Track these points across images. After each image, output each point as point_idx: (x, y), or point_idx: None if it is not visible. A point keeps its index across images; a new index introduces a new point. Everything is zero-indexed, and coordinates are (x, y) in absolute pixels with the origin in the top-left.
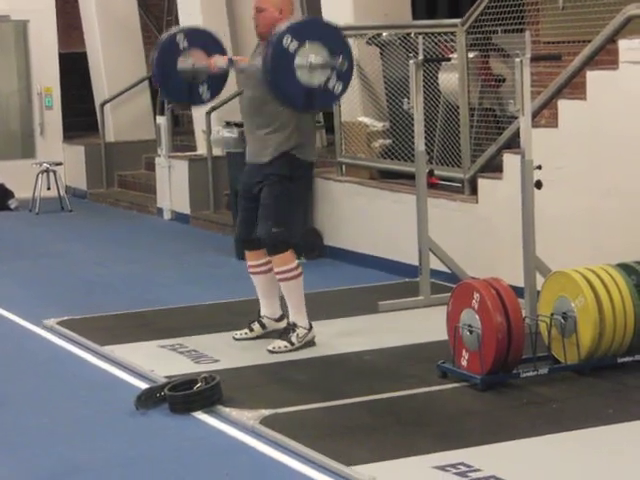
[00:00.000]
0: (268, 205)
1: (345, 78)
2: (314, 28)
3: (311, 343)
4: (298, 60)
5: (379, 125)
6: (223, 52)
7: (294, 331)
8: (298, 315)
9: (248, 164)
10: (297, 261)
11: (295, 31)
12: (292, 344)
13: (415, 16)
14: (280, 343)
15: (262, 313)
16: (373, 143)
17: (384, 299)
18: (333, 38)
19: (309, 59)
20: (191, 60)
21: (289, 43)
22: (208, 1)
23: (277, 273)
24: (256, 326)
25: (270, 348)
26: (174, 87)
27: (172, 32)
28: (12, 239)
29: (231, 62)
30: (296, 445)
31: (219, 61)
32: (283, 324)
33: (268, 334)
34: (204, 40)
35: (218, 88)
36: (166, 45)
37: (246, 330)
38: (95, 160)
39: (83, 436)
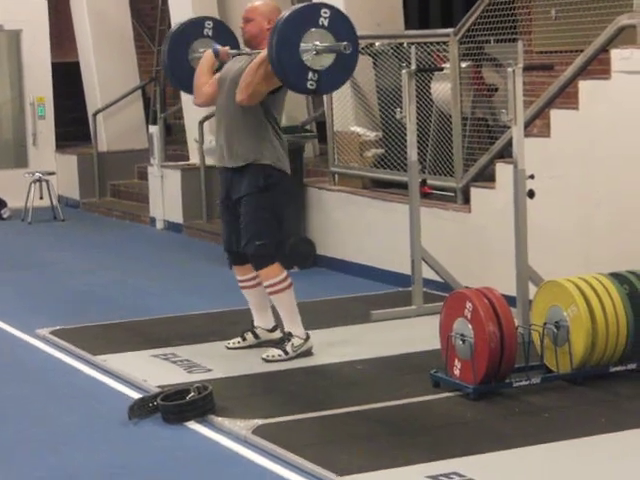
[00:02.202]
0: (247, 220)
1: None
2: (317, 13)
3: (307, 353)
4: (303, 45)
5: (372, 135)
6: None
7: (289, 340)
8: (293, 325)
9: (219, 168)
10: (286, 272)
11: (299, 16)
12: (286, 353)
13: (408, 26)
14: (274, 352)
15: (256, 324)
16: (366, 153)
17: (377, 308)
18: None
19: (314, 44)
20: (203, 48)
21: (295, 27)
22: (200, 10)
23: (266, 287)
24: (249, 336)
25: (264, 357)
26: (181, 70)
27: (201, 17)
28: (4, 249)
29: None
30: (289, 455)
31: (232, 52)
32: (277, 335)
33: (260, 344)
34: (227, 38)
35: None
36: (189, 27)
37: (239, 339)
38: (88, 169)
39: (75, 445)
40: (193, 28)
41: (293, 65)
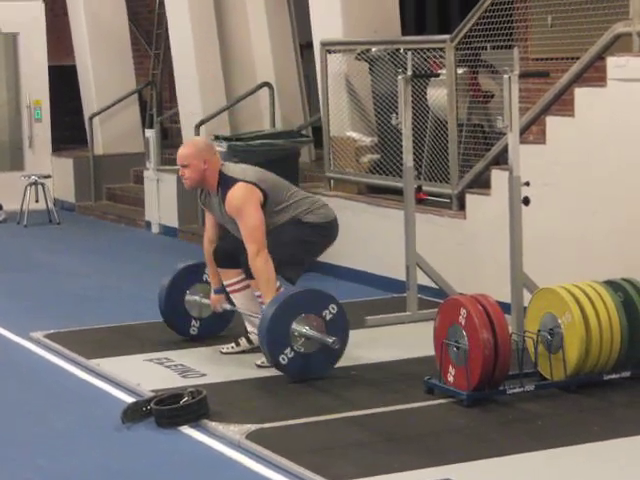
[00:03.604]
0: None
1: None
2: (298, 300)
3: None
4: (294, 336)
5: (367, 140)
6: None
7: None
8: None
9: None
10: (278, 282)
11: (283, 310)
12: None
13: (404, 32)
14: None
15: (249, 329)
16: (361, 158)
17: (371, 314)
18: (319, 300)
19: (304, 332)
20: (199, 295)
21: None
22: (197, 14)
23: (228, 285)
24: (243, 341)
25: (259, 363)
26: (173, 309)
27: (201, 262)
28: (0, 251)
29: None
30: (282, 460)
31: (223, 304)
32: None
33: (254, 349)
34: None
35: (209, 331)
36: (188, 269)
37: (232, 344)
38: (84, 173)
39: (68, 449)
40: (191, 273)
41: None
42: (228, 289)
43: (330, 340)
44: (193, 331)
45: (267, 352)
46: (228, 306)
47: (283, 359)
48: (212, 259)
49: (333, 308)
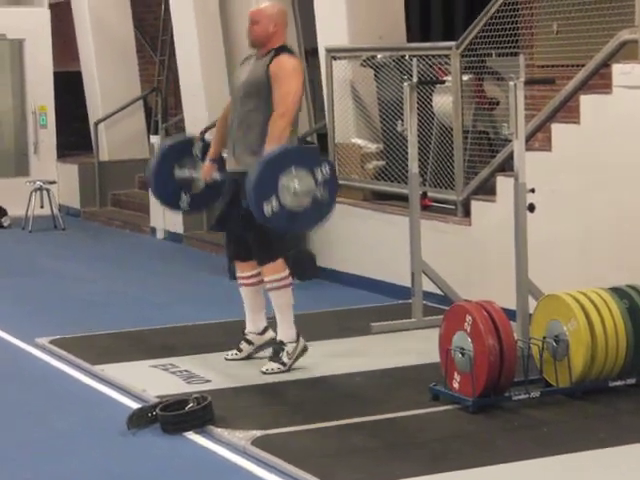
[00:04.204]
0: (257, 232)
1: (332, 190)
2: (292, 154)
3: (302, 352)
4: (281, 184)
5: (373, 147)
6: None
7: (283, 350)
8: (286, 327)
9: (228, 174)
10: (288, 271)
11: (275, 161)
12: (284, 364)
13: (409, 38)
14: (273, 365)
15: (246, 330)
16: (367, 165)
17: (376, 321)
18: (312, 157)
19: (293, 185)
20: (188, 169)
21: (273, 170)
22: (203, 21)
23: (267, 282)
24: (243, 345)
25: (263, 370)
26: (164, 185)
27: (191, 136)
28: (5, 257)
29: (221, 160)
30: (287, 466)
31: (213, 173)
32: (268, 335)
33: (258, 349)
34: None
35: (198, 205)
36: (179, 143)
37: (235, 351)
38: (89, 179)
39: (73, 455)
40: (181, 147)
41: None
42: (239, 281)
43: (318, 193)
44: (183, 205)
45: (254, 200)
46: (219, 176)
47: (268, 211)
48: (224, 126)
49: (325, 168)
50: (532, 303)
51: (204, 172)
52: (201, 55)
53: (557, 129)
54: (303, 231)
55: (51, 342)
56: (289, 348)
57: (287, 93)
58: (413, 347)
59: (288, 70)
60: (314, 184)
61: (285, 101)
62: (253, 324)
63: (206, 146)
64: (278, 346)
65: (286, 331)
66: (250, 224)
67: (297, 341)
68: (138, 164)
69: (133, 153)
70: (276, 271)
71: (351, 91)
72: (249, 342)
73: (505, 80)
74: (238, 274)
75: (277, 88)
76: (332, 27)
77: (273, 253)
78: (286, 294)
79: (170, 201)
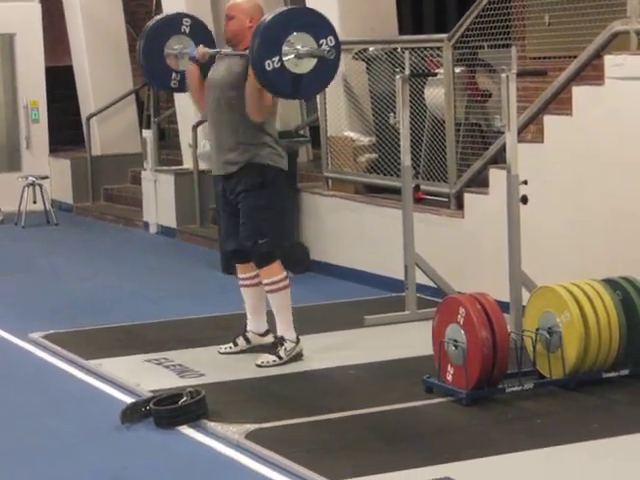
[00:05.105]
0: (247, 219)
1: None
2: (300, 17)
3: (299, 356)
4: (285, 49)
5: (365, 140)
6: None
7: (282, 345)
8: (286, 328)
9: (215, 177)
10: (285, 273)
11: (282, 20)
12: (280, 358)
13: (402, 31)
14: (269, 357)
15: (248, 328)
16: (359, 158)
17: (370, 313)
18: (319, 25)
19: (296, 47)
20: (178, 46)
21: (276, 32)
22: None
23: (266, 284)
24: (240, 341)
25: (259, 362)
26: (153, 62)
27: (180, 12)
28: None
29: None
30: (281, 460)
31: (208, 50)
32: (268, 339)
33: (252, 348)
34: (204, 38)
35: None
36: (167, 21)
37: (230, 344)
38: (81, 174)
39: (67, 450)
40: (169, 25)
41: (270, 71)
42: (240, 282)
43: (325, 50)
44: (174, 84)
45: (255, 54)
46: (212, 51)
47: (268, 65)
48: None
49: (331, 40)
50: (525, 295)
51: (200, 52)
52: None
53: (549, 121)
54: (311, 95)
55: (44, 337)
56: (288, 345)
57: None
58: (406, 340)
59: None
60: (317, 47)
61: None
62: (255, 324)
63: (195, 21)
64: (278, 340)
65: (286, 331)
66: (244, 210)
67: (297, 344)
68: (131, 158)
69: (125, 147)
70: (274, 273)
71: (343, 84)
72: (247, 340)
73: (497, 72)
74: (239, 276)
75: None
76: None
77: (266, 239)
78: (285, 296)
79: (162, 81)
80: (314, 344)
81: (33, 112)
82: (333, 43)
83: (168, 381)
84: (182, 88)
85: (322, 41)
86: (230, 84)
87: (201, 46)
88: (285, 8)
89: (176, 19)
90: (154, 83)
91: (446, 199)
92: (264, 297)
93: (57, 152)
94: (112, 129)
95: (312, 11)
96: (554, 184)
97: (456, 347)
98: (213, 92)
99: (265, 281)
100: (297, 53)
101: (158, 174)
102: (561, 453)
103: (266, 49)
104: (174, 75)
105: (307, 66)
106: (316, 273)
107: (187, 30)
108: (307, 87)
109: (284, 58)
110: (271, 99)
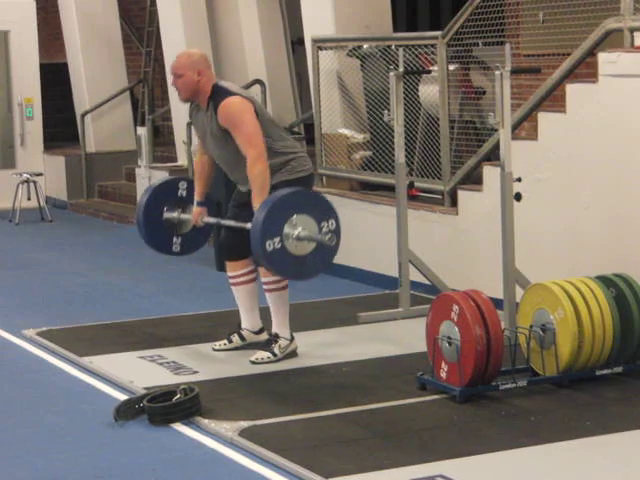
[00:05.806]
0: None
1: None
2: (301, 200)
3: (293, 354)
4: (286, 231)
5: (359, 137)
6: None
7: (276, 342)
8: (281, 326)
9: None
10: None
11: (283, 204)
12: (275, 355)
13: (396, 28)
14: (263, 354)
15: (242, 325)
16: (353, 155)
17: (364, 311)
18: (320, 207)
19: (296, 232)
20: (177, 211)
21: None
22: (189, 12)
23: (264, 283)
24: (235, 338)
25: (253, 359)
26: (153, 229)
27: (175, 178)
28: None
29: (209, 201)
30: (275, 457)
31: (204, 217)
32: (262, 337)
33: (246, 346)
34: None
35: (190, 248)
36: (163, 186)
37: (225, 341)
38: (75, 170)
39: (61, 447)
40: (166, 190)
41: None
42: (230, 281)
43: (326, 237)
44: (175, 248)
45: (258, 237)
46: (211, 219)
47: (269, 245)
48: (203, 170)
49: (332, 224)
50: (519, 292)
51: (195, 217)
52: (187, 46)
53: (543, 118)
54: (311, 277)
55: (38, 334)
56: (282, 342)
57: (249, 135)
58: (400, 337)
59: (236, 114)
60: (318, 231)
61: (252, 143)
62: (249, 322)
63: (191, 184)
64: (272, 337)
65: (282, 328)
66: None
67: (291, 342)
68: (125, 155)
69: (120, 145)
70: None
71: (337, 81)
72: (242, 337)
73: (491, 69)
74: (229, 274)
75: (237, 135)
76: (318, 17)
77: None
78: (282, 296)
79: (164, 247)
80: (308, 341)
81: (27, 109)
82: (334, 227)
83: (162, 378)
84: (185, 251)
85: (323, 224)
86: (218, 137)
87: (196, 208)
88: (289, 190)
89: (172, 185)
90: (156, 250)
91: (440, 196)
92: (256, 294)
93: (51, 149)
94: (107, 126)
95: (313, 194)
96: (548, 181)
97: (450, 344)
98: (210, 141)
99: (264, 280)
100: (297, 236)
101: (152, 171)
102: (555, 450)
103: (268, 232)
104: (175, 239)
105: (306, 249)
106: None
107: (184, 194)
108: (310, 268)
109: (285, 242)
110: (261, 137)
